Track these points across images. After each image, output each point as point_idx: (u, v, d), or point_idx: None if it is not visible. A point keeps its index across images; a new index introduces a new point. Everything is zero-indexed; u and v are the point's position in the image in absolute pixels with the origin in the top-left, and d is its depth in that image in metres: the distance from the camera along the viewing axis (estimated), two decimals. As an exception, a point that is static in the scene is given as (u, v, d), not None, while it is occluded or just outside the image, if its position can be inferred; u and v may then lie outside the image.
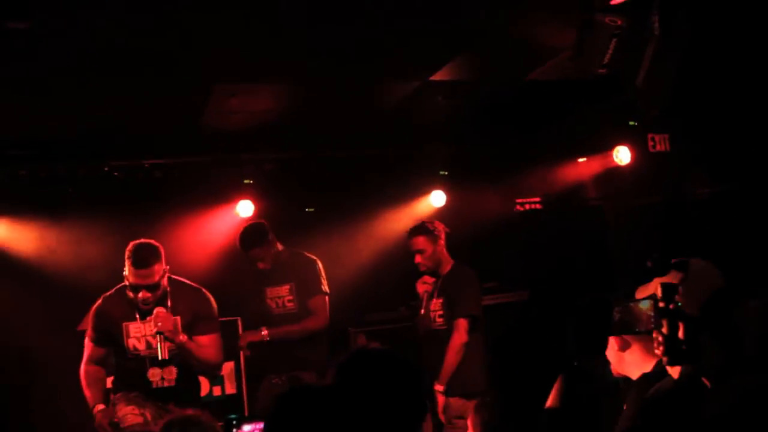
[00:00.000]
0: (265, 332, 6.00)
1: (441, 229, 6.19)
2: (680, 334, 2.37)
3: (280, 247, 6.25)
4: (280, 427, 2.26)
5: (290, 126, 6.86)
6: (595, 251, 8.21)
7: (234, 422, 2.45)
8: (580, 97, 6.62)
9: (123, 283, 5.16)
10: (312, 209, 7.95)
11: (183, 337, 5.05)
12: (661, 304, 2.42)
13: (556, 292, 7.69)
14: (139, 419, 5.08)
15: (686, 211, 7.67)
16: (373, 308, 7.62)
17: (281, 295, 6.25)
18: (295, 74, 5.74)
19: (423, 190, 7.89)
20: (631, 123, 6.76)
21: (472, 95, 6.55)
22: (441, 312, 6.07)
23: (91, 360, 5.27)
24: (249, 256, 6.17)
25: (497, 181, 7.93)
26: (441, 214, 7.43)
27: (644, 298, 2.52)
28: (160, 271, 5.06)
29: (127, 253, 5.01)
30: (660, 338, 2.41)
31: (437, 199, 7.85)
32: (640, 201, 8.01)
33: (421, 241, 6.13)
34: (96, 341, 5.28)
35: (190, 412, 3.81)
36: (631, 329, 2.56)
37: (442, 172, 7.87)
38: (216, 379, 7.06)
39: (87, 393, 5.20)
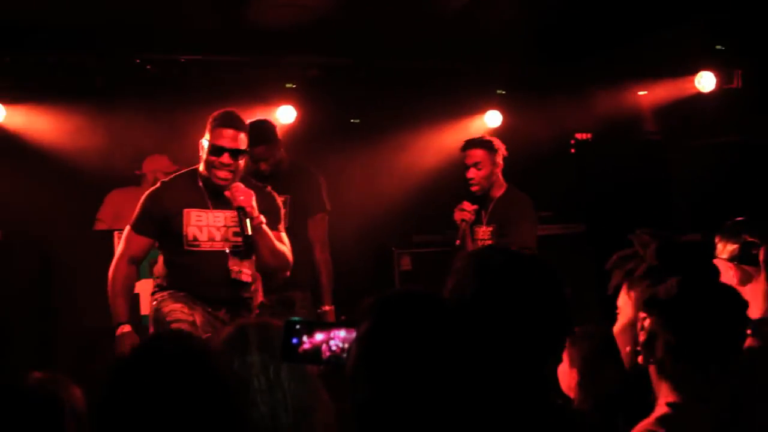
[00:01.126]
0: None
1: (501, 148, 5.65)
2: None
3: (284, 153, 5.76)
4: (394, 340, 1.73)
5: (340, 29, 6.31)
6: (655, 190, 7.71)
7: (297, 326, 1.88)
8: (661, 14, 6.00)
9: (187, 169, 4.69)
10: (358, 120, 7.46)
11: (262, 218, 4.44)
12: None
13: (614, 227, 7.24)
14: (189, 319, 4.37)
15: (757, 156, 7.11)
16: (417, 230, 7.19)
17: None
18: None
19: (478, 108, 7.33)
20: (718, 47, 6.08)
21: (543, 5, 5.94)
22: (491, 241, 5.55)
23: (130, 257, 4.53)
24: (253, 154, 5.44)
25: (558, 105, 7.31)
26: (495, 135, 6.88)
27: None
28: (246, 142, 4.52)
29: (211, 120, 4.50)
30: None
31: (493, 119, 7.30)
32: (708, 140, 7.44)
33: (479, 154, 5.61)
34: (141, 230, 4.54)
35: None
36: None
37: (499, 91, 7.31)
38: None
39: (115, 303, 4.45)
